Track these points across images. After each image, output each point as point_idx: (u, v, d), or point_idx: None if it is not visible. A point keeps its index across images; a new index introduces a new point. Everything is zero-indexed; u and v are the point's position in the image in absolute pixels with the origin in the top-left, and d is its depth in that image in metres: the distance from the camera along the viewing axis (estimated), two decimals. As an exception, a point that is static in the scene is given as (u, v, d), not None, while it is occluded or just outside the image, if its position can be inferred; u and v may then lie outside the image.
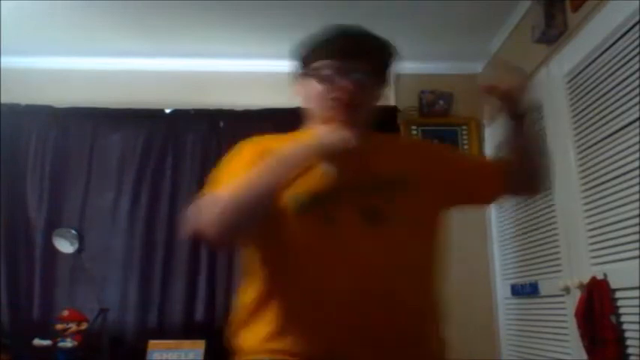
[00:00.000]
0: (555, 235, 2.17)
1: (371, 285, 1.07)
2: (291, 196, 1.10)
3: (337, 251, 1.09)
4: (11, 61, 2.85)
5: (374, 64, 1.21)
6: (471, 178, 1.27)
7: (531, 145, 1.26)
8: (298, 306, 1.10)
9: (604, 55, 1.86)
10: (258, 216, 1.08)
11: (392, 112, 2.89)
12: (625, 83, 1.74)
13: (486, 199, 1.36)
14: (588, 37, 1.95)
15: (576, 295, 1.88)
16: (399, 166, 1.18)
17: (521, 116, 1.23)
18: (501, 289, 2.74)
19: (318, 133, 1.12)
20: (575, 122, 2.03)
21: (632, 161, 1.70)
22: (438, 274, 1.19)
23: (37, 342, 2.40)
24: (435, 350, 1.16)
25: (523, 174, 1.24)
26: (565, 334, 2.05)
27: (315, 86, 1.19)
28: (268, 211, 1.08)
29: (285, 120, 2.81)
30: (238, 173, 1.12)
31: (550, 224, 2.22)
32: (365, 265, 1.08)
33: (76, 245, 2.52)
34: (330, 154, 1.11)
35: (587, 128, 1.96)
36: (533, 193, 1.40)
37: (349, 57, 1.17)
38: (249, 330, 1.14)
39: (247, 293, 1.17)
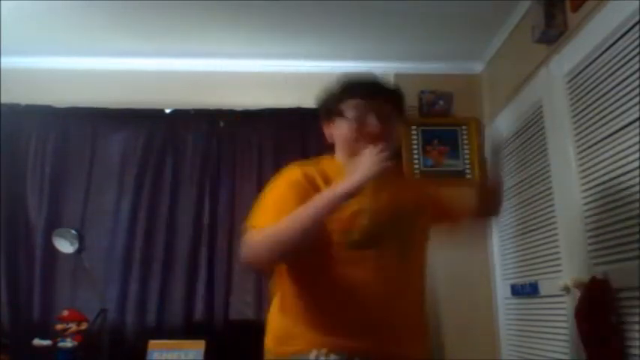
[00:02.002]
0: (555, 235, 2.17)
1: (398, 303, 1.34)
2: (344, 233, 1.31)
3: (379, 280, 1.32)
4: (11, 61, 2.85)
5: (393, 104, 1.44)
6: (445, 209, 1.61)
7: (495, 203, 1.70)
8: (343, 316, 1.31)
9: (604, 55, 1.86)
10: (301, 247, 1.28)
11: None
12: (625, 83, 1.74)
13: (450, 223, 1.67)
14: (588, 37, 1.94)
15: (576, 295, 1.88)
16: (412, 198, 1.44)
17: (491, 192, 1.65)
18: (501, 289, 2.74)
19: (357, 167, 1.26)
20: (575, 122, 2.03)
21: (632, 161, 1.69)
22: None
23: (37, 342, 2.40)
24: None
25: (484, 214, 1.72)
26: (565, 334, 2.04)
27: (344, 126, 1.42)
28: (310, 243, 1.28)
29: (285, 120, 2.87)
30: (283, 203, 1.31)
31: (550, 224, 2.22)
32: (398, 290, 1.34)
33: (76, 245, 2.51)
34: (371, 179, 1.23)
35: (587, 128, 1.95)
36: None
37: (373, 96, 1.41)
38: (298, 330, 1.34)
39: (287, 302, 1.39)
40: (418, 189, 1.57)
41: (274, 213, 1.31)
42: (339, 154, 1.47)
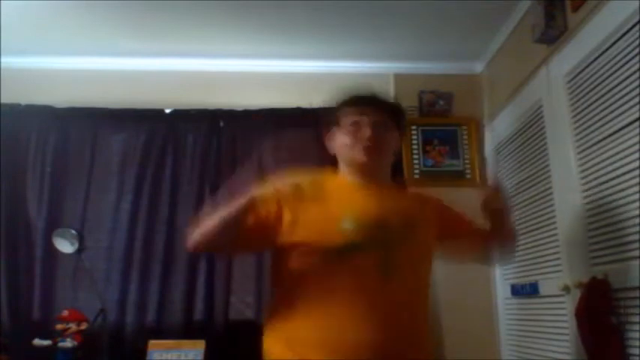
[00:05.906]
0: (555, 235, 2.17)
1: (383, 318, 1.34)
2: (320, 248, 1.36)
3: (358, 293, 1.34)
4: (11, 61, 2.85)
5: (388, 113, 1.52)
6: (458, 234, 1.60)
7: (505, 232, 1.64)
8: (320, 329, 1.35)
9: (604, 55, 1.86)
10: (224, 238, 1.43)
11: (392, 112, 2.89)
12: (625, 83, 1.74)
13: (465, 254, 1.76)
14: (588, 37, 1.94)
15: (576, 295, 1.88)
16: (409, 215, 1.46)
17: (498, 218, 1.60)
18: (501, 289, 2.74)
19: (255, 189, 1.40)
20: (575, 122, 2.03)
21: (632, 161, 1.69)
22: (427, 298, 1.51)
23: (37, 342, 2.40)
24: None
25: (496, 248, 1.69)
26: (565, 334, 2.04)
27: (341, 134, 1.50)
28: (231, 236, 1.42)
29: (284, 120, 2.87)
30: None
31: (550, 224, 2.22)
32: (380, 304, 1.35)
33: (76, 245, 2.51)
34: (258, 200, 1.38)
35: (587, 128, 1.95)
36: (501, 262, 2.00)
37: (367, 105, 1.50)
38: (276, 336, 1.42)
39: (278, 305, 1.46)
40: (418, 203, 1.56)
41: None
42: (341, 165, 1.55)
